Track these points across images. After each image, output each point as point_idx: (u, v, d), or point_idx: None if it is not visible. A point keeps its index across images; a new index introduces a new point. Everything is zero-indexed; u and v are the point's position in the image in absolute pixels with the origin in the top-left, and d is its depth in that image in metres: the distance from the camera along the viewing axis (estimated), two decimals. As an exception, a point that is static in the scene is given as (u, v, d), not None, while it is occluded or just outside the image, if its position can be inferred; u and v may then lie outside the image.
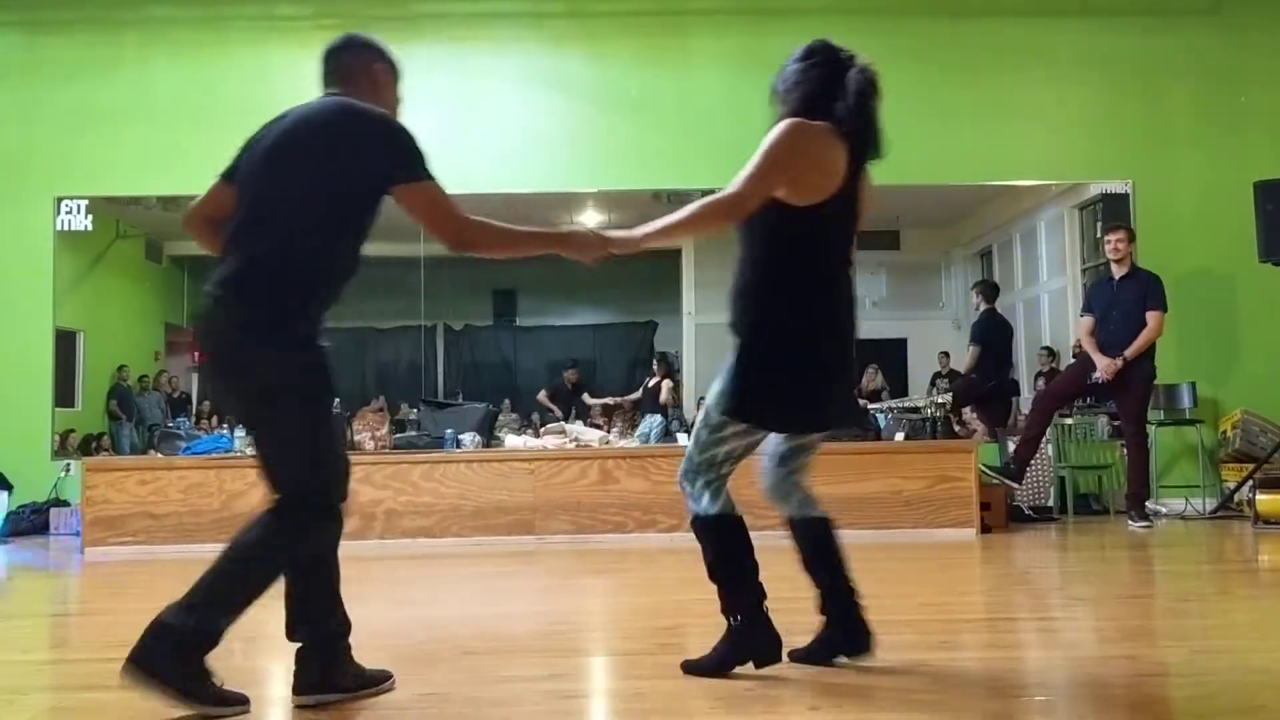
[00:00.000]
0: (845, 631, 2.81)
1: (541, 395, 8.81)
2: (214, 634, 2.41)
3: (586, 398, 8.94)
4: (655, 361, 9.33)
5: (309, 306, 2.53)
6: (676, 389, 9.28)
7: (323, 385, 2.53)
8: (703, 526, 2.79)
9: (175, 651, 2.35)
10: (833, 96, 2.69)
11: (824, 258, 2.74)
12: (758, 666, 2.75)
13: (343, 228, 2.57)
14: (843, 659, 2.82)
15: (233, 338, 2.48)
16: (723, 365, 2.75)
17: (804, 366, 2.69)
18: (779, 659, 2.77)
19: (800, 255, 2.70)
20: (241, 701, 2.44)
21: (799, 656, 2.83)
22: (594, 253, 2.74)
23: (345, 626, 2.64)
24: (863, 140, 2.71)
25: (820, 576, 2.85)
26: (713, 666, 2.75)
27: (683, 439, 6.80)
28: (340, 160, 2.53)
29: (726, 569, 2.78)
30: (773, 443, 2.87)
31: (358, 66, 2.75)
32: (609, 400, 9.03)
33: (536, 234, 2.81)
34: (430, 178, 2.57)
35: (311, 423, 2.52)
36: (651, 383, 9.23)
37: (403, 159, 2.57)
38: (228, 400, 2.53)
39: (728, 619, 2.77)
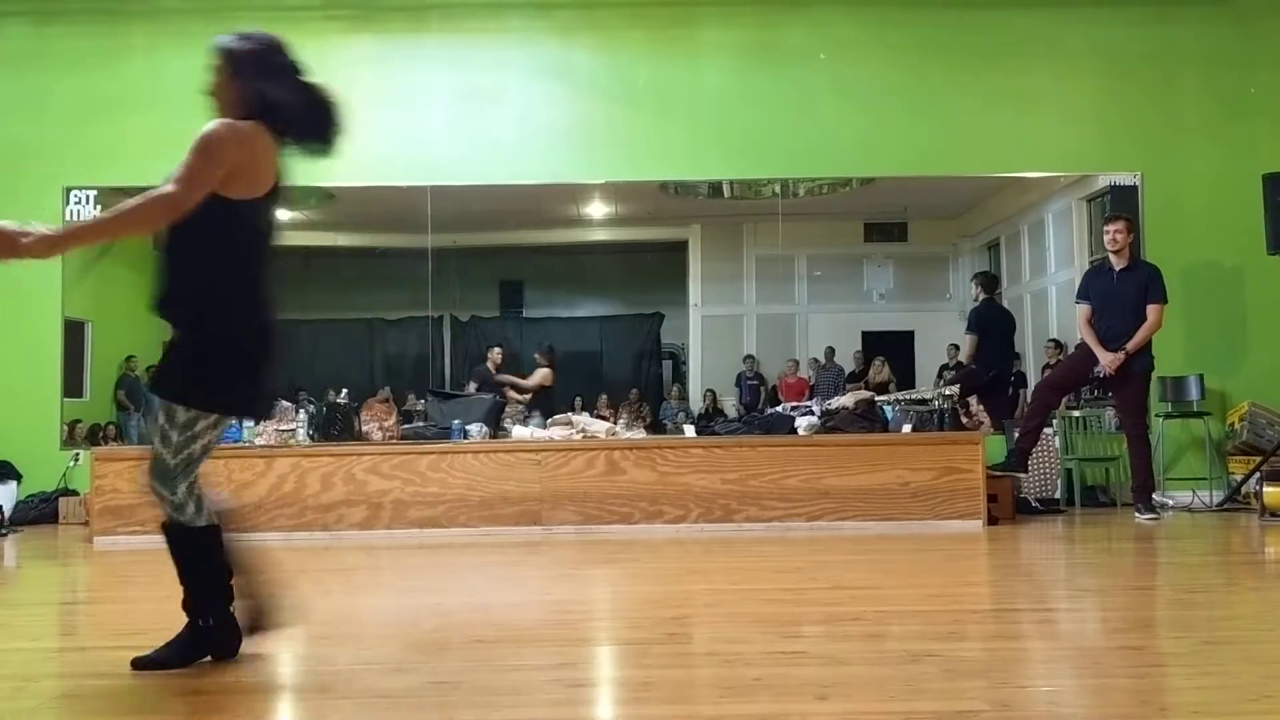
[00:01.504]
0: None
1: (472, 387, 8.48)
2: None
3: (500, 377, 8.71)
4: (537, 353, 8.99)
5: None
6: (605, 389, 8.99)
7: None
8: (187, 536, 2.76)
9: None
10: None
11: (253, 252, 2.80)
12: (217, 660, 2.79)
13: None
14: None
15: None
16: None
17: (254, 353, 2.75)
18: (236, 653, 2.82)
19: (236, 247, 2.77)
20: None
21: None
22: (4, 254, 2.64)
23: None
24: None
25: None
26: (174, 660, 2.75)
27: (690, 430, 6.80)
28: None
29: (202, 574, 2.79)
30: None
31: None
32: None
33: None
34: None
35: None
36: (535, 376, 8.85)
37: None
38: None
39: (196, 620, 2.78)
